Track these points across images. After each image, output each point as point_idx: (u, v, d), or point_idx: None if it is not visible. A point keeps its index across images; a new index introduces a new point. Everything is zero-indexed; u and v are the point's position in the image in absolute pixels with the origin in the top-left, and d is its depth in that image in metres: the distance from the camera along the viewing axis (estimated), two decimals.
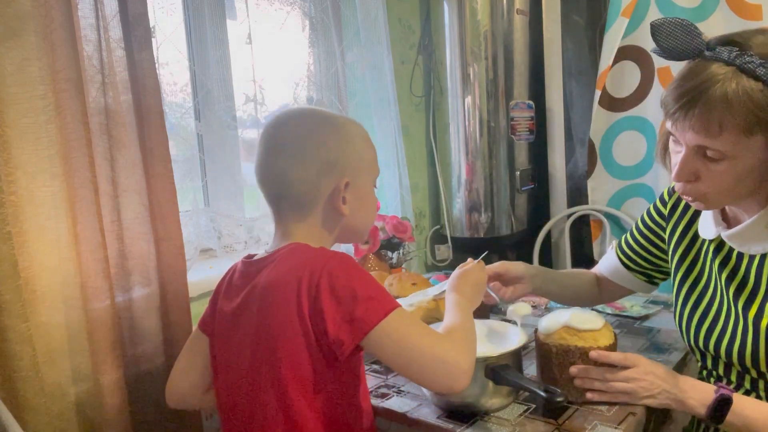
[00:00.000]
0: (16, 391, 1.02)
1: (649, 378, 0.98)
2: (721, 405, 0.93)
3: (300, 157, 0.91)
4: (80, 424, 1.15)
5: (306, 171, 0.91)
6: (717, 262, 1.03)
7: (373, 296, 0.83)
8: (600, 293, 1.31)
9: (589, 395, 1.01)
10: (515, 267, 1.21)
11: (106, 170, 1.16)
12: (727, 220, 1.03)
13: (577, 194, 2.41)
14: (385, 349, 0.83)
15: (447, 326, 0.92)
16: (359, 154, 0.96)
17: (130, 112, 1.18)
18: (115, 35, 1.15)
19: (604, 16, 2.18)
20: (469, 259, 1.12)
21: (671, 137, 0.95)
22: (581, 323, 1.03)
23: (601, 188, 2.24)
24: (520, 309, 1.12)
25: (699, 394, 0.95)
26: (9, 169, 1.04)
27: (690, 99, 0.85)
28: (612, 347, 1.03)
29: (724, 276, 1.01)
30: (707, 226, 1.05)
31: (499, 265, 1.20)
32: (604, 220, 2.24)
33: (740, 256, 0.99)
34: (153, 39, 1.25)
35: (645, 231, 1.20)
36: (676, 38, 0.88)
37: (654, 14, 2.02)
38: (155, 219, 1.22)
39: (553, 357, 1.03)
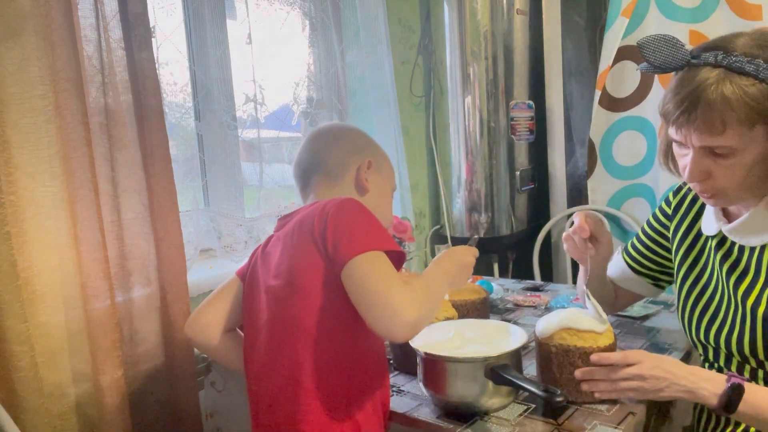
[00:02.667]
0: (15, 391, 1.02)
1: (656, 373, 0.96)
2: (733, 394, 0.91)
3: (335, 141, 1.11)
4: (80, 424, 1.15)
5: (339, 149, 1.09)
6: (719, 257, 1.04)
7: (364, 234, 0.91)
8: (615, 299, 1.31)
9: (597, 395, 1.00)
10: (606, 235, 1.17)
11: (106, 170, 1.16)
12: (728, 216, 1.04)
13: (577, 194, 2.41)
14: (350, 283, 0.89)
15: (412, 282, 0.93)
16: (384, 158, 1.16)
17: (130, 112, 1.18)
18: (115, 35, 1.15)
19: (604, 16, 2.18)
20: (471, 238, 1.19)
21: (674, 143, 0.98)
22: (581, 323, 1.03)
23: (601, 188, 2.24)
24: (596, 305, 1.09)
25: (710, 383, 0.93)
26: (9, 169, 1.04)
27: (690, 103, 0.89)
28: (611, 347, 1.03)
29: (725, 269, 1.03)
30: (709, 223, 1.06)
31: (604, 233, 1.17)
32: (604, 220, 2.24)
33: (741, 249, 1.01)
34: (153, 39, 1.25)
35: (651, 232, 1.21)
36: (662, 52, 0.94)
37: (654, 14, 2.02)
38: (155, 219, 1.23)
39: (553, 357, 1.03)
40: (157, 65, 1.24)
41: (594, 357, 1.00)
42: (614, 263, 1.29)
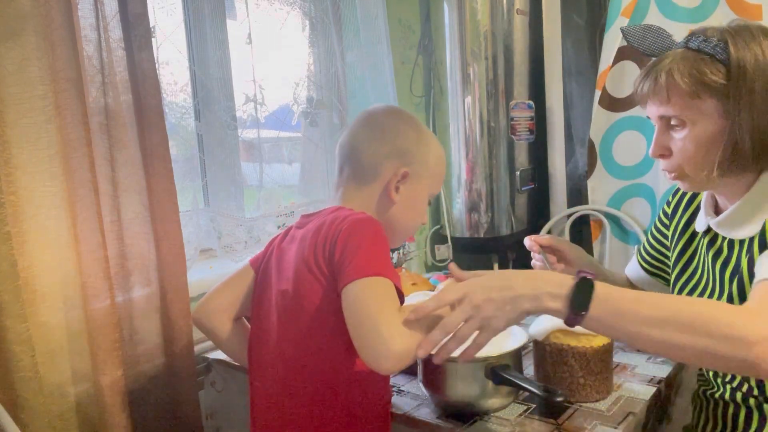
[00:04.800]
0: (15, 391, 1.02)
1: (492, 295, 0.80)
2: (582, 291, 0.78)
3: (378, 135, 1.02)
4: (80, 425, 1.15)
5: (378, 147, 1.01)
6: (711, 254, 1.05)
7: (369, 260, 0.87)
8: None
9: (460, 360, 0.87)
10: (574, 251, 1.24)
11: (106, 170, 1.16)
12: (718, 212, 1.05)
13: (577, 194, 2.41)
14: (346, 304, 0.86)
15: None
16: (429, 161, 1.04)
17: (130, 112, 1.18)
18: (115, 35, 1.15)
19: (604, 16, 2.18)
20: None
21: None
22: None
23: (601, 188, 2.24)
24: None
25: (554, 285, 0.79)
26: (9, 169, 1.04)
27: (645, 74, 0.98)
28: (607, 347, 1.03)
29: (718, 266, 1.03)
30: (701, 219, 1.08)
31: (562, 242, 1.25)
32: (604, 220, 2.24)
33: (731, 244, 1.01)
34: (153, 39, 1.25)
35: (656, 233, 1.23)
36: (647, 39, 1.00)
37: (654, 14, 2.02)
38: (155, 219, 1.22)
39: (547, 356, 1.03)
40: (157, 65, 1.24)
41: (410, 316, 0.82)
42: (631, 265, 1.30)
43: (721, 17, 1.90)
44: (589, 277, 0.79)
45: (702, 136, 0.94)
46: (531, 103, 2.33)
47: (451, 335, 0.82)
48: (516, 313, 0.79)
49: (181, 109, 1.57)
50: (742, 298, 0.97)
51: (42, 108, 1.07)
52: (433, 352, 0.83)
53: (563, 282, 0.79)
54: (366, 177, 1.02)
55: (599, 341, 1.02)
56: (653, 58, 0.99)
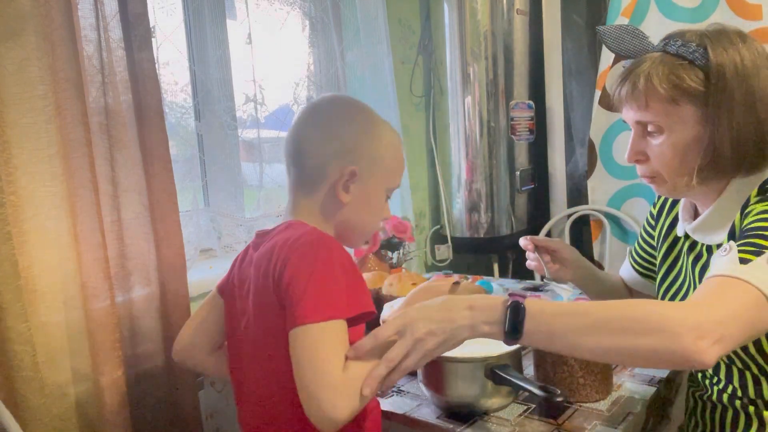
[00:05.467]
0: (16, 391, 1.02)
1: (432, 327, 0.80)
2: (515, 316, 0.78)
3: (322, 132, 0.94)
4: (80, 424, 1.15)
5: (321, 146, 0.94)
6: (691, 258, 1.05)
7: (316, 301, 0.80)
8: None
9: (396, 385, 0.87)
10: (568, 251, 1.24)
11: (106, 170, 1.16)
12: (697, 217, 1.05)
13: (577, 194, 2.41)
14: (292, 353, 0.80)
15: (355, 367, 0.81)
16: (381, 155, 0.96)
17: (130, 112, 1.18)
18: (115, 35, 1.15)
19: (604, 16, 2.18)
20: (455, 277, 1.06)
21: None
22: None
23: (601, 188, 2.24)
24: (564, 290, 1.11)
25: (487, 313, 0.80)
26: (9, 169, 1.04)
27: (622, 79, 0.96)
28: None
29: (697, 271, 1.03)
30: (680, 224, 1.08)
31: (557, 242, 1.25)
32: (604, 220, 2.24)
33: (709, 249, 1.01)
34: (153, 39, 1.25)
35: (645, 236, 1.23)
36: (623, 41, 0.98)
37: (654, 14, 2.02)
38: (155, 219, 1.23)
39: (547, 356, 1.04)
40: (157, 65, 1.24)
41: (349, 354, 0.81)
42: (624, 266, 1.31)
43: (721, 17, 1.90)
44: (519, 300, 0.79)
45: (679, 142, 0.93)
46: (531, 103, 2.33)
47: (392, 369, 0.81)
48: (455, 342, 0.81)
49: (181, 109, 1.57)
50: None
51: (42, 108, 1.07)
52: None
53: (495, 307, 0.80)
54: (313, 181, 0.94)
55: None
56: (629, 61, 0.98)
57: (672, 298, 1.09)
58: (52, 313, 1.11)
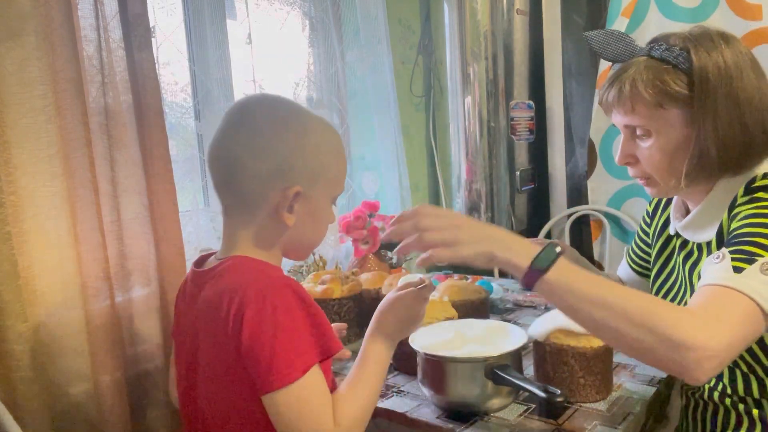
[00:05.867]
0: (16, 391, 1.02)
1: (473, 223, 0.84)
2: (548, 254, 0.80)
3: (257, 148, 0.84)
4: (80, 424, 1.15)
5: (259, 165, 0.84)
6: (682, 256, 1.07)
7: (285, 359, 0.77)
8: None
9: (418, 263, 0.86)
10: (567, 251, 1.21)
11: (106, 170, 1.16)
12: (687, 214, 1.06)
13: (577, 194, 2.41)
14: (278, 416, 0.78)
15: (345, 395, 0.83)
16: (322, 163, 0.87)
17: (130, 112, 1.18)
18: (115, 35, 1.15)
19: (604, 16, 2.18)
20: (419, 277, 1.00)
21: None
22: (577, 325, 1.04)
23: (601, 188, 2.24)
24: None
25: (527, 246, 0.83)
26: (9, 169, 1.04)
27: (609, 84, 0.98)
28: (608, 348, 1.03)
29: (687, 268, 1.05)
30: (672, 223, 1.10)
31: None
32: (604, 220, 2.24)
33: (699, 247, 1.02)
34: (153, 39, 1.25)
35: (642, 234, 1.24)
36: (609, 45, 0.99)
37: (654, 14, 2.02)
38: (155, 219, 1.22)
39: (547, 356, 1.04)
40: (157, 65, 1.24)
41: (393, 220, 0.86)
42: (622, 265, 1.32)
43: (721, 17, 1.91)
44: (559, 248, 0.81)
45: (667, 145, 0.95)
46: (531, 103, 2.33)
47: (419, 235, 0.81)
48: (484, 251, 0.81)
49: (181, 109, 1.57)
50: None
51: (42, 108, 1.07)
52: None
53: (533, 246, 0.82)
54: (250, 205, 0.86)
55: (599, 341, 1.02)
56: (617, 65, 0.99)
57: (665, 296, 1.10)
58: (52, 313, 1.11)
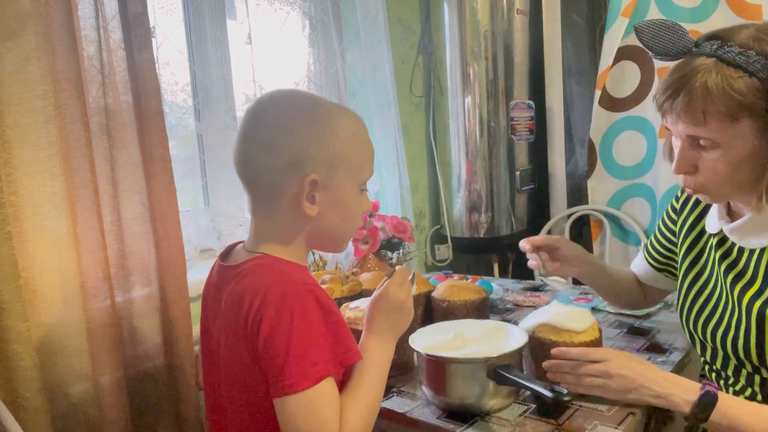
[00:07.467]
0: (16, 391, 1.02)
1: (624, 372, 0.96)
2: (706, 402, 0.90)
3: (271, 144, 0.85)
4: (80, 424, 1.15)
5: (270, 160, 0.84)
6: (718, 255, 1.04)
7: (299, 365, 0.77)
8: (644, 296, 1.32)
9: (563, 385, 0.97)
10: (571, 248, 1.24)
11: (106, 170, 1.16)
12: (732, 215, 1.04)
13: (577, 194, 2.41)
14: (286, 420, 0.78)
15: (347, 403, 0.82)
16: (341, 150, 0.86)
17: (130, 112, 1.18)
18: (116, 35, 1.15)
19: (604, 16, 2.18)
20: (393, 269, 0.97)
21: (671, 133, 0.97)
22: (560, 321, 1.04)
23: (601, 188, 2.24)
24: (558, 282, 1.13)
25: (683, 390, 0.93)
26: (9, 169, 1.04)
27: (674, 90, 0.89)
28: (594, 343, 1.03)
29: (723, 268, 1.03)
30: (713, 221, 1.06)
31: (556, 240, 1.25)
32: (604, 220, 2.24)
33: (741, 250, 1.00)
34: (153, 39, 1.25)
35: (664, 229, 1.22)
36: (662, 38, 0.93)
37: (654, 14, 2.02)
38: (155, 219, 1.22)
39: (531, 351, 1.04)
40: (157, 65, 1.24)
41: (555, 351, 1.00)
42: (638, 260, 1.30)
43: (721, 17, 1.91)
44: (713, 391, 0.90)
45: (736, 157, 0.89)
46: (531, 103, 2.33)
47: (574, 374, 0.99)
48: (635, 396, 0.96)
49: (181, 109, 1.57)
50: (741, 302, 0.96)
51: (42, 108, 1.07)
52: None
53: (690, 390, 0.92)
54: (270, 199, 0.87)
55: (582, 337, 1.02)
56: (670, 62, 0.93)
57: (697, 294, 1.07)
58: (52, 313, 1.11)
